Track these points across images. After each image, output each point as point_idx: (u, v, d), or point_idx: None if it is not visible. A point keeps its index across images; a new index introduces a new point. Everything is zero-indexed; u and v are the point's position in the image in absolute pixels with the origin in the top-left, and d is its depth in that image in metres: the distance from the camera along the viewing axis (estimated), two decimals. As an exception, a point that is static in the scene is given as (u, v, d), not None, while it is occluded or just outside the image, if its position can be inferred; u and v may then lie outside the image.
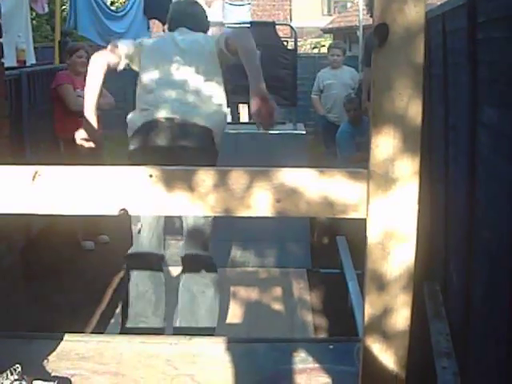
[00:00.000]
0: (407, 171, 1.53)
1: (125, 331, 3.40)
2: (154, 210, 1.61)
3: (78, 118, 5.86)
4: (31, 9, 8.49)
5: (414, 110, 1.50)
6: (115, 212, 1.57)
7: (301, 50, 19.54)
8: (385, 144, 1.51)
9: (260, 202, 1.58)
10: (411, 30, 1.47)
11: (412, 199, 1.55)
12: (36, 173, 1.58)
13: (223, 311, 4.65)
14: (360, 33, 10.98)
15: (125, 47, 3.75)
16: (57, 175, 1.61)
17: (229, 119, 7.96)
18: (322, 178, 1.58)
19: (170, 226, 5.52)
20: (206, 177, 1.57)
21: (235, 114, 8.31)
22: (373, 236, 1.57)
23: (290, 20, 24.57)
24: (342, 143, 6.81)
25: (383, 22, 1.46)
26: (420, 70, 1.49)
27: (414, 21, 1.47)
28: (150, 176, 1.56)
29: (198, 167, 1.59)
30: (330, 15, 32.86)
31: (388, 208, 1.54)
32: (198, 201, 1.58)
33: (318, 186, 1.57)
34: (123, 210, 1.56)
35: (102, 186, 1.59)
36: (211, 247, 5.78)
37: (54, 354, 2.46)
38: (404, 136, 1.51)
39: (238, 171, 1.58)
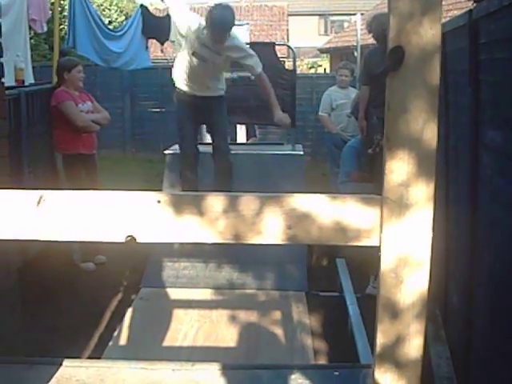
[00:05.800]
0: (421, 197, 1.49)
1: None
2: (161, 236, 1.55)
3: (83, 134, 5.94)
4: (29, 28, 8.46)
5: (430, 134, 1.46)
6: (122, 239, 1.52)
7: (298, 70, 19.59)
8: (399, 169, 1.47)
9: (271, 228, 1.53)
10: (427, 51, 1.43)
11: (426, 225, 1.51)
12: (41, 197, 1.53)
13: (222, 333, 4.59)
14: (358, 53, 10.98)
15: None
16: (62, 200, 1.55)
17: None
18: (334, 204, 1.53)
19: (167, 247, 5.48)
20: (215, 202, 1.53)
21: (233, 134, 8.28)
22: (386, 263, 1.52)
23: (287, 40, 24.67)
24: (346, 157, 6.55)
25: (398, 45, 1.43)
26: (436, 92, 1.45)
27: (430, 42, 1.43)
28: (158, 201, 1.52)
29: (208, 193, 1.54)
30: (327, 35, 33.04)
31: (402, 235, 1.50)
32: (207, 226, 1.53)
33: (330, 212, 1.52)
34: (130, 236, 1.51)
35: (108, 212, 1.54)
36: (209, 269, 5.72)
37: (54, 380, 2.40)
38: (419, 161, 1.47)
39: (248, 196, 1.54)
